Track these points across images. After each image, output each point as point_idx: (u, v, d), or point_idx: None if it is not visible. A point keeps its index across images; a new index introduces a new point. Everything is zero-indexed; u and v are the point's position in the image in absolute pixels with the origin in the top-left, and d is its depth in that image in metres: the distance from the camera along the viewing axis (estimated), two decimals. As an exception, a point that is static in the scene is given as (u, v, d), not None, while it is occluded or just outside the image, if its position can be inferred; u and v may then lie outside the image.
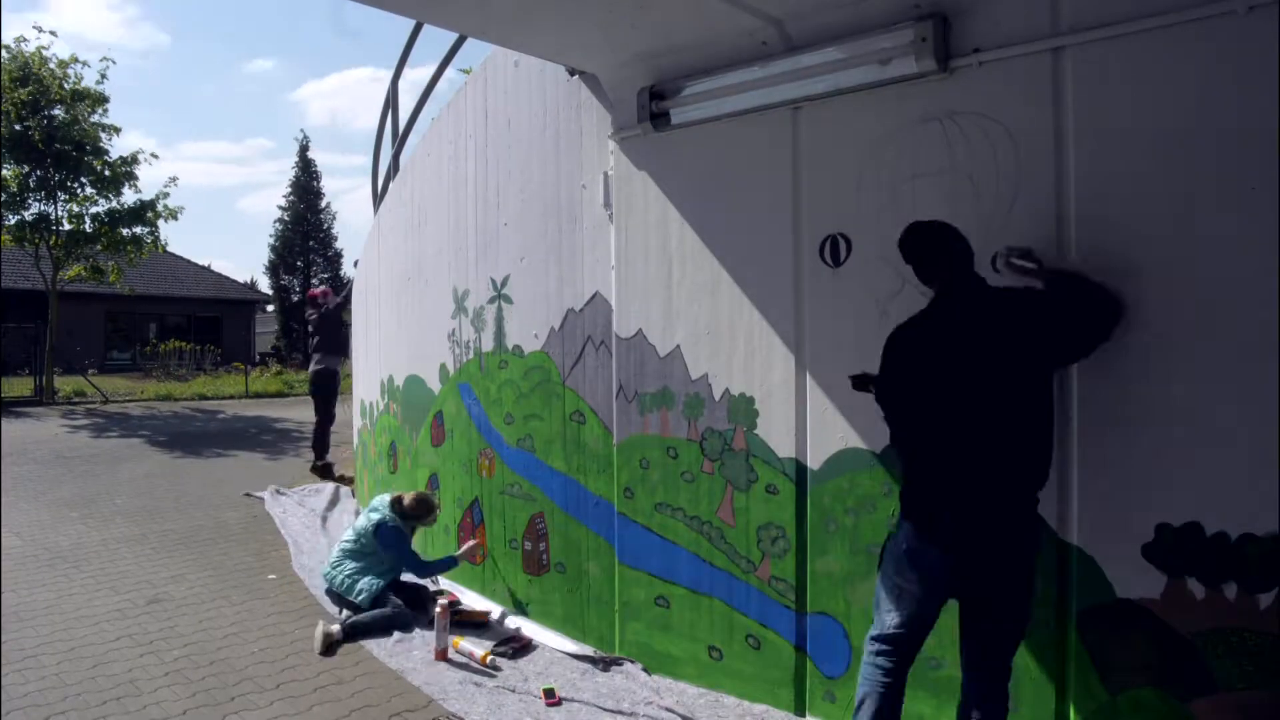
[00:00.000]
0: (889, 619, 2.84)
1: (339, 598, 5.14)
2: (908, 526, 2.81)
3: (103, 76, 19.50)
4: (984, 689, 2.80)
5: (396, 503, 5.29)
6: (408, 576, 5.29)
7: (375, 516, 5.20)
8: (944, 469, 2.73)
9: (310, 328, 10.11)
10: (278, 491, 8.50)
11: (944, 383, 2.72)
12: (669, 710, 3.74)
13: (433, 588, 5.50)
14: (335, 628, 4.70)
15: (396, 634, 4.72)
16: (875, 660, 2.86)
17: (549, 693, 3.92)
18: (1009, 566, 2.70)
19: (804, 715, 3.65)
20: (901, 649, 2.84)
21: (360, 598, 4.98)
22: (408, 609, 4.96)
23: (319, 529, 7.15)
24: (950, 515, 2.69)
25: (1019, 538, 2.71)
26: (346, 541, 5.25)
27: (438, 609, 4.44)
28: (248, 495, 8.55)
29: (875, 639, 2.88)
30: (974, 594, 2.76)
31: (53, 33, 24.28)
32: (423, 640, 4.61)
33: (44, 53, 17.98)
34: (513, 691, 3.98)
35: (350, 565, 5.11)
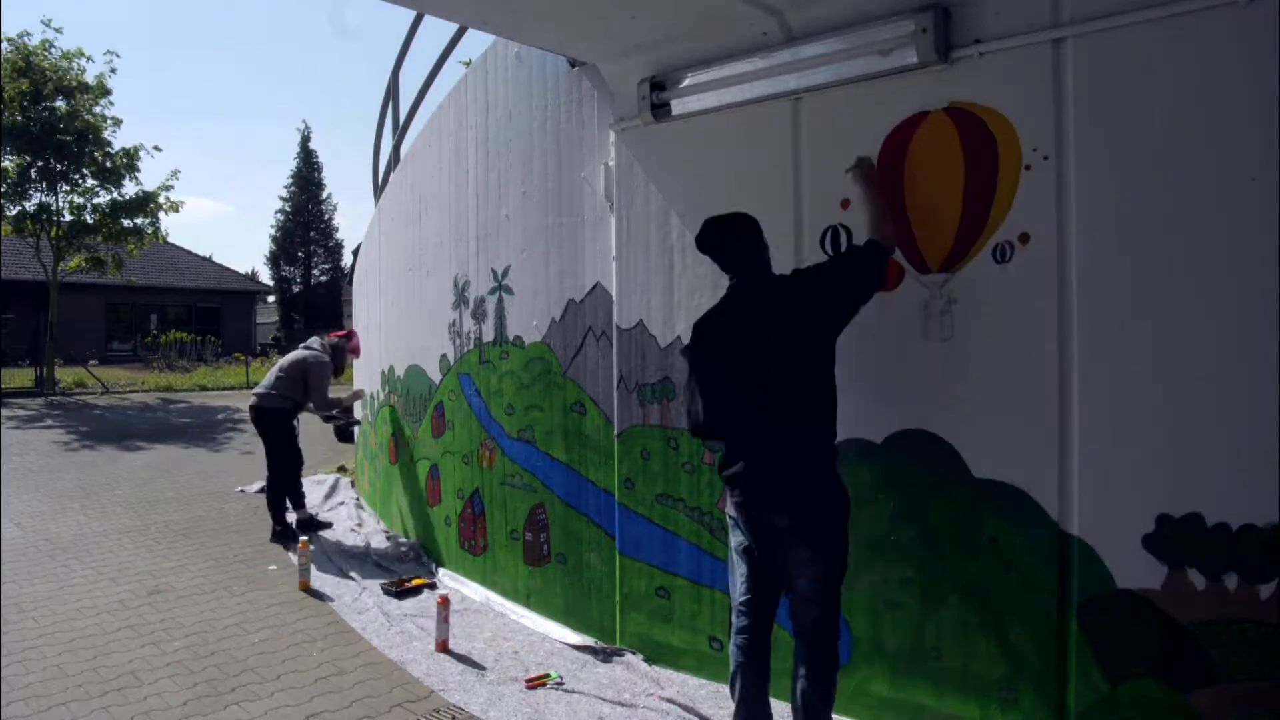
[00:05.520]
0: (739, 588, 3.05)
1: None
2: (730, 493, 3.03)
3: (111, 70, 19.37)
4: (800, 652, 2.95)
5: None
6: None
7: None
8: (750, 437, 2.97)
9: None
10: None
11: (742, 361, 2.98)
12: (670, 701, 3.75)
13: (431, 581, 5.52)
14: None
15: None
16: (735, 640, 3.05)
17: (534, 680, 3.97)
18: (811, 520, 2.90)
19: (804, 706, 3.66)
20: (755, 612, 3.02)
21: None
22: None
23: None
24: (761, 475, 2.92)
25: (818, 491, 2.92)
26: None
27: (437, 600, 4.45)
28: (239, 491, 8.57)
29: (733, 613, 3.07)
30: (787, 550, 2.93)
31: (58, 28, 24.17)
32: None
33: (49, 47, 17.95)
34: (514, 682, 3.99)
35: None
